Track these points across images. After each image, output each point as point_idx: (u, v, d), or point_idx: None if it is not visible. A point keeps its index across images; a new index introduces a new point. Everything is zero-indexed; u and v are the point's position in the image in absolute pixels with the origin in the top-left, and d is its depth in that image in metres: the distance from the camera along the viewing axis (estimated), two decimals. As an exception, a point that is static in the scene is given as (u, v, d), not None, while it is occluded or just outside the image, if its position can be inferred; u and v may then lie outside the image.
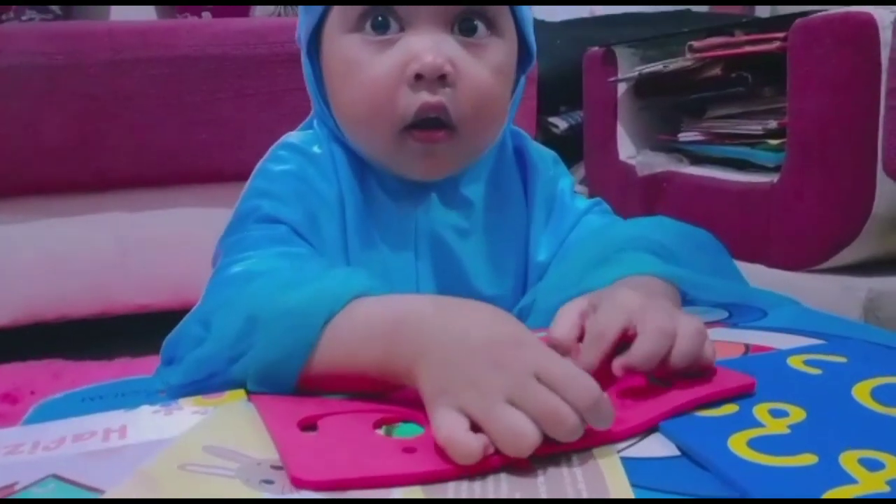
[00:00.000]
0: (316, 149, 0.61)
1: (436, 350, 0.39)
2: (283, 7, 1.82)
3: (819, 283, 1.03)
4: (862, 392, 0.40)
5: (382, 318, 0.43)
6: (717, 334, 0.50)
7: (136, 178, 1.27)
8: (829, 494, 0.31)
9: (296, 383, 0.45)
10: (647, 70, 1.39)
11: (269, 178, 0.59)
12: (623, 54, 1.46)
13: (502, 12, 0.57)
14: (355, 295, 0.45)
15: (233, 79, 1.26)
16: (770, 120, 1.14)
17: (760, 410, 0.38)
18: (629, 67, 1.45)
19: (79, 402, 0.52)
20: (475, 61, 0.56)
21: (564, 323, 0.43)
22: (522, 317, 0.56)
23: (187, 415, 0.41)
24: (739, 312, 0.57)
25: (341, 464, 0.34)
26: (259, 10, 1.83)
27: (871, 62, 0.96)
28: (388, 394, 0.43)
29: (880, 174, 0.97)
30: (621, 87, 1.48)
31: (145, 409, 0.43)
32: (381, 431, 0.39)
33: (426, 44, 0.54)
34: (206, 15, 1.81)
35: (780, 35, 1.10)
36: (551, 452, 0.35)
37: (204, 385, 0.46)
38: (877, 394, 0.40)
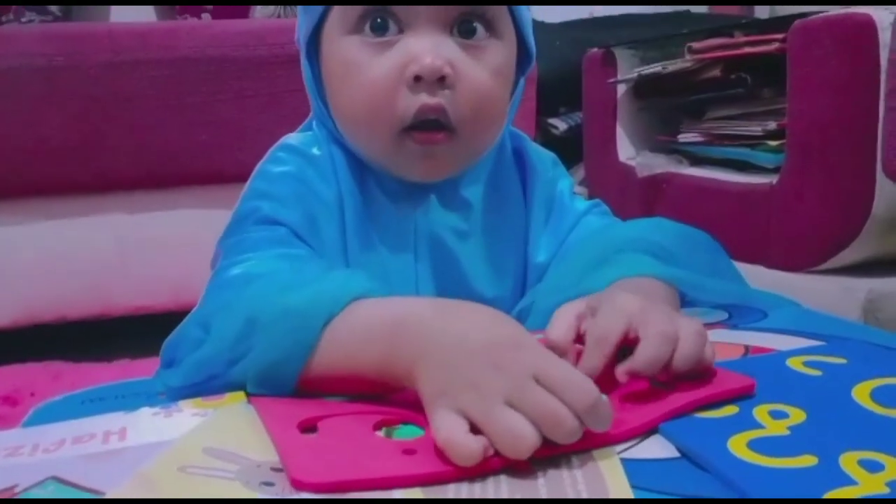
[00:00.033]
0: (315, 150, 0.61)
1: (435, 352, 0.39)
2: (282, 7, 1.82)
3: (819, 284, 1.03)
4: (862, 393, 0.40)
5: (382, 320, 0.43)
6: (717, 336, 0.50)
7: (136, 179, 1.28)
8: (829, 495, 0.31)
9: (295, 385, 0.45)
10: (647, 71, 1.39)
11: (269, 180, 0.59)
12: (622, 55, 1.46)
13: (501, 14, 0.57)
14: (354, 297, 0.45)
15: (232, 80, 1.26)
16: (769, 121, 1.14)
17: (760, 412, 0.38)
18: (628, 69, 1.45)
19: (78, 404, 0.52)
20: (474, 63, 0.56)
21: (561, 325, 0.43)
22: (522, 318, 0.56)
23: (187, 417, 0.41)
24: (739, 314, 0.57)
25: (341, 465, 0.34)
26: (259, 11, 1.84)
27: (870, 63, 0.96)
28: (388, 395, 0.43)
29: (880, 175, 0.97)
30: (621, 89, 1.48)
31: (145, 412, 0.43)
32: (381, 433, 0.39)
33: (425, 46, 0.54)
34: (206, 16, 1.81)
35: (780, 36, 1.10)
36: (551, 454, 0.35)
37: (204, 387, 0.46)
38: (876, 395, 0.40)
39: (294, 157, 0.60)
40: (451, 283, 0.60)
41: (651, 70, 1.38)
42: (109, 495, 0.33)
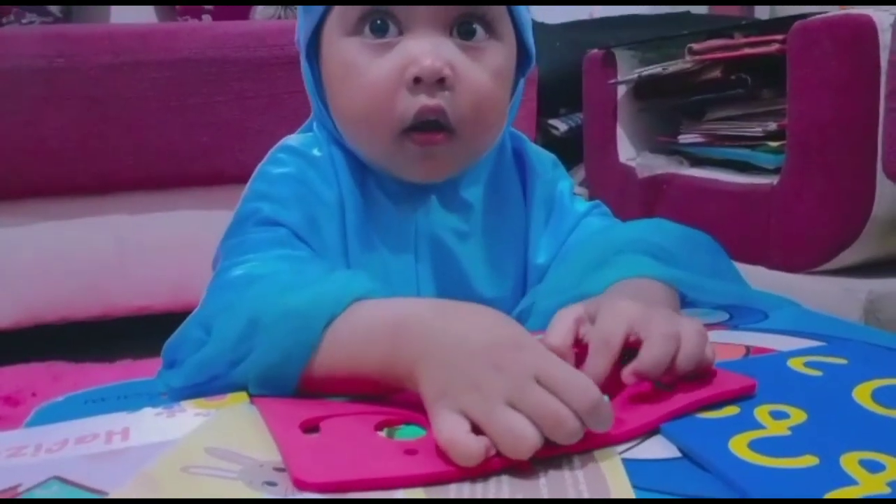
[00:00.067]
0: (316, 151, 0.61)
1: (436, 353, 0.39)
2: (283, 8, 1.82)
3: (819, 285, 1.03)
4: (862, 394, 0.40)
5: (383, 321, 0.43)
6: (718, 336, 0.50)
7: (137, 180, 1.28)
8: (830, 496, 0.31)
9: (297, 386, 0.45)
10: (647, 72, 1.39)
11: (269, 181, 0.59)
12: (622, 56, 1.46)
13: (501, 15, 0.57)
14: (356, 298, 0.45)
15: (233, 81, 1.26)
16: (770, 122, 1.14)
17: (761, 412, 0.38)
18: (629, 69, 1.45)
19: (81, 404, 0.52)
20: (474, 64, 0.56)
21: (560, 329, 0.43)
22: (522, 319, 0.56)
23: (190, 417, 0.42)
24: (740, 314, 0.57)
25: (343, 465, 0.34)
26: (259, 12, 1.84)
27: (870, 64, 0.96)
28: (390, 396, 0.43)
29: (880, 176, 0.97)
30: (621, 90, 1.48)
31: (148, 412, 0.43)
32: (382, 433, 0.39)
33: (425, 47, 0.54)
34: (206, 17, 1.81)
35: (780, 37, 1.10)
36: (552, 454, 0.35)
37: (205, 388, 0.46)
38: (877, 395, 0.40)
39: (294, 159, 0.60)
40: (451, 284, 0.60)
41: (651, 71, 1.38)
42: (112, 495, 0.33)
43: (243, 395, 0.45)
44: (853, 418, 0.38)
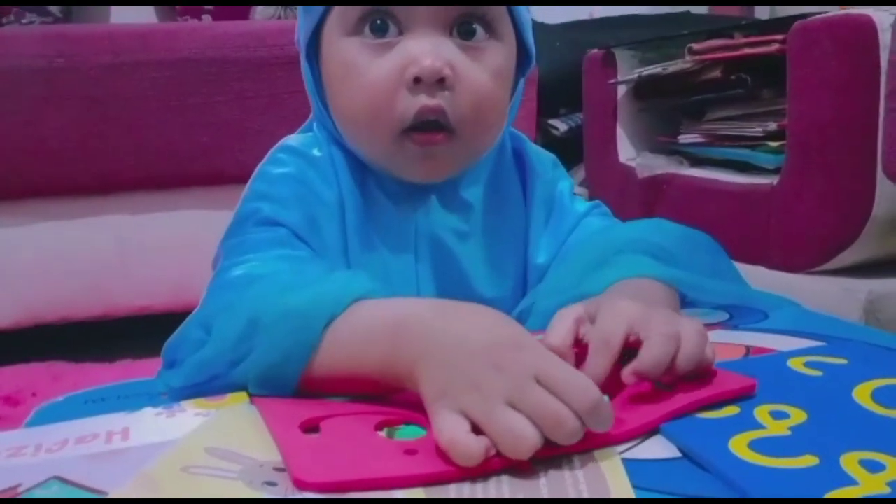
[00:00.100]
0: (316, 151, 0.61)
1: (436, 353, 0.39)
2: (283, 8, 1.82)
3: (819, 285, 1.03)
4: (862, 394, 0.40)
5: (383, 321, 0.43)
6: (718, 336, 0.50)
7: (137, 180, 1.28)
8: (830, 496, 0.31)
9: (297, 386, 0.45)
10: (647, 72, 1.39)
11: (269, 181, 0.59)
12: (622, 56, 1.46)
13: (501, 15, 0.57)
14: (356, 298, 0.45)
15: (233, 81, 1.26)
16: (770, 122, 1.14)
17: (761, 412, 0.38)
18: (629, 70, 1.45)
19: (81, 404, 0.52)
20: (474, 65, 0.56)
21: (560, 329, 0.43)
22: (522, 319, 0.56)
23: (190, 417, 0.42)
24: (740, 314, 0.57)
25: (343, 465, 0.34)
26: (259, 12, 1.84)
27: (870, 64, 0.96)
28: (390, 396, 0.43)
29: (880, 176, 0.97)
30: (621, 90, 1.48)
31: (148, 412, 0.43)
32: (382, 433, 0.39)
33: (425, 47, 0.54)
34: (207, 17, 1.81)
35: (780, 37, 1.10)
36: (552, 455, 0.35)
37: (205, 388, 0.46)
38: (877, 395, 0.40)
39: (294, 159, 0.60)
40: (451, 284, 0.60)
41: (651, 71, 1.38)
42: (112, 495, 0.33)
43: (243, 395, 0.45)
44: (853, 418, 0.38)
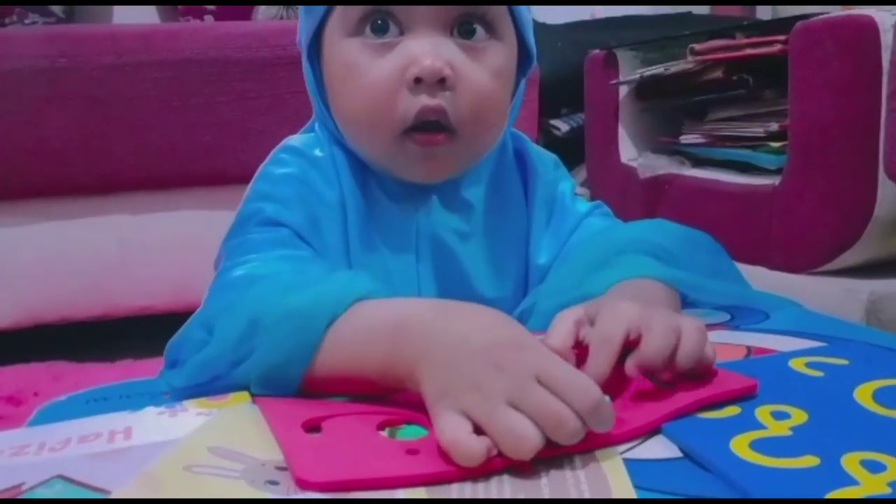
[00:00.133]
0: (317, 152, 0.61)
1: (437, 353, 0.39)
2: (285, 8, 1.83)
3: (821, 286, 1.03)
4: (864, 394, 0.40)
5: (384, 321, 0.44)
6: (719, 337, 0.50)
7: (139, 180, 1.28)
8: (831, 496, 0.31)
9: (298, 386, 0.45)
10: (649, 73, 1.39)
11: (271, 182, 0.59)
12: (624, 57, 1.46)
13: (501, 15, 0.57)
14: (357, 298, 0.45)
15: (235, 82, 1.26)
16: (771, 122, 1.14)
17: (762, 412, 0.38)
18: (630, 70, 1.45)
19: (83, 403, 0.52)
20: (474, 65, 0.56)
21: (560, 331, 0.43)
22: (523, 319, 0.56)
23: (192, 416, 0.42)
24: (741, 315, 0.57)
25: (345, 465, 0.34)
26: (261, 12, 1.84)
27: (872, 65, 0.96)
28: (392, 396, 0.43)
29: (882, 176, 0.97)
30: (623, 90, 1.48)
31: (150, 411, 0.43)
32: (384, 433, 0.39)
33: (425, 47, 0.54)
34: (209, 18, 1.81)
35: (781, 38, 1.10)
36: (553, 454, 0.35)
37: (207, 387, 0.46)
38: (878, 396, 0.40)
39: (296, 159, 0.60)
40: (452, 284, 0.60)
41: (653, 71, 1.38)
42: (115, 494, 0.33)
43: (245, 395, 0.45)
44: (854, 419, 0.38)
